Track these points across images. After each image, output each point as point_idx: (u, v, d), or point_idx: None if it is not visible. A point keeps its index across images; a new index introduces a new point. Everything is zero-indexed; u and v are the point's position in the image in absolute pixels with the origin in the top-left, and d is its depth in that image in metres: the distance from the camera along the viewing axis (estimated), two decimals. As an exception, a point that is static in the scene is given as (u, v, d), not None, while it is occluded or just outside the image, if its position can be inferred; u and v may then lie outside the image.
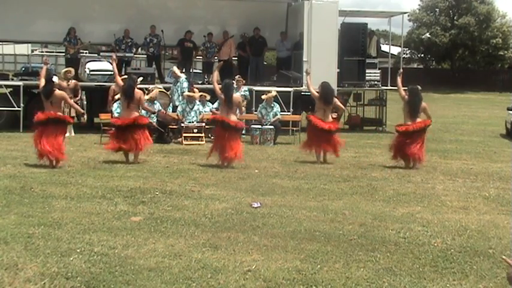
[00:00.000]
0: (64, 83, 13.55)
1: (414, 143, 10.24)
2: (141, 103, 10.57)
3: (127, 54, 16.62)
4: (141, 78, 13.68)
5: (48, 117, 9.59)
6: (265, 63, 19.94)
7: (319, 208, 7.17)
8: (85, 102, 16.55)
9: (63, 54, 17.55)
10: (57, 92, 9.95)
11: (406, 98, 10.49)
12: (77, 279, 4.60)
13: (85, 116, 14.82)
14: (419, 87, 10.89)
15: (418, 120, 10.42)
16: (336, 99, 11.05)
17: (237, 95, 11.05)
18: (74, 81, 14.18)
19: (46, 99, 9.81)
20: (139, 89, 10.90)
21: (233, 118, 10.23)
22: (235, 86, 14.60)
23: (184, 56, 17.10)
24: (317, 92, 10.96)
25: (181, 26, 17.26)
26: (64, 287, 4.47)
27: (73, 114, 14.09)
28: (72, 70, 14.57)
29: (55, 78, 11.44)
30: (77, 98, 13.32)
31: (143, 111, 13.19)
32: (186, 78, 14.92)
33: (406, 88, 10.72)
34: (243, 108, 12.69)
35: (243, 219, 6.57)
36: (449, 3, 43.75)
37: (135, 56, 18.72)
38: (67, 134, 13.42)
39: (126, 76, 12.93)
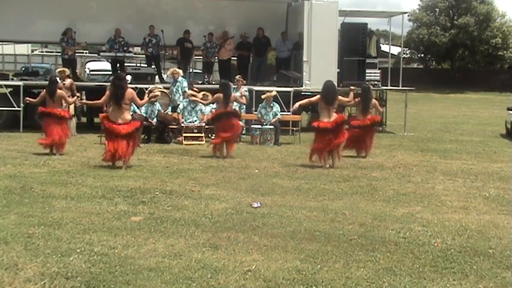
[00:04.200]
0: (60, 83, 13.68)
1: (367, 136, 11.70)
2: (136, 101, 10.09)
3: (127, 55, 16.64)
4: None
5: (50, 112, 10.85)
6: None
7: (319, 208, 7.17)
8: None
9: (61, 54, 17.55)
10: (59, 91, 11.13)
11: (358, 98, 12.03)
12: (77, 279, 4.60)
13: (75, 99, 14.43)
14: (371, 87, 13.30)
15: (370, 115, 11.99)
16: (339, 97, 10.67)
17: (233, 94, 11.79)
18: (69, 80, 14.24)
19: (50, 97, 10.94)
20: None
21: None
22: (234, 86, 14.65)
23: (183, 56, 17.11)
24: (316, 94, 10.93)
25: (181, 26, 17.27)
26: (64, 287, 4.47)
27: (72, 113, 14.20)
28: (67, 70, 14.63)
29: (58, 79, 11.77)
30: (75, 98, 13.35)
31: (143, 110, 13.25)
32: (184, 78, 14.92)
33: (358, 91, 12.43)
34: (243, 99, 12.73)
35: (243, 219, 6.57)
36: (449, 3, 43.78)
37: (135, 55, 18.74)
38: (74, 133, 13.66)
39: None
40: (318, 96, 10.57)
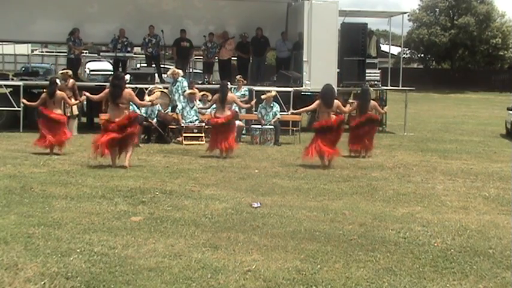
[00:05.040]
0: (62, 83, 13.70)
1: (367, 135, 11.77)
2: (134, 101, 10.11)
3: (127, 55, 16.63)
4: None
5: (49, 115, 10.97)
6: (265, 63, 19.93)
7: (319, 208, 7.17)
8: (85, 103, 16.58)
9: (65, 54, 17.53)
10: (59, 92, 11.31)
11: (357, 101, 12.39)
12: (77, 279, 4.60)
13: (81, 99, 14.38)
14: (370, 88, 13.41)
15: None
16: (338, 102, 10.61)
17: (230, 95, 11.75)
18: (72, 80, 14.25)
19: (49, 98, 11.08)
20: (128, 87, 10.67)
21: (227, 113, 11.26)
22: (235, 86, 14.66)
23: (181, 55, 17.09)
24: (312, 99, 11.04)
25: (181, 26, 17.26)
26: (64, 287, 4.47)
27: (76, 112, 14.23)
28: (70, 72, 14.63)
29: (58, 80, 11.81)
30: (80, 100, 13.40)
31: (143, 110, 13.24)
32: (183, 77, 14.91)
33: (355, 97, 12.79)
34: (241, 104, 12.71)
35: (243, 219, 6.57)
36: (449, 3, 43.78)
37: (135, 56, 18.73)
38: (75, 134, 13.71)
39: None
40: (316, 102, 10.61)
